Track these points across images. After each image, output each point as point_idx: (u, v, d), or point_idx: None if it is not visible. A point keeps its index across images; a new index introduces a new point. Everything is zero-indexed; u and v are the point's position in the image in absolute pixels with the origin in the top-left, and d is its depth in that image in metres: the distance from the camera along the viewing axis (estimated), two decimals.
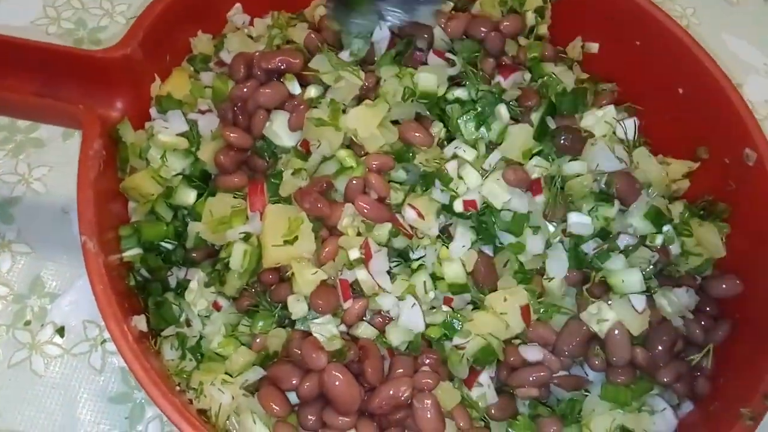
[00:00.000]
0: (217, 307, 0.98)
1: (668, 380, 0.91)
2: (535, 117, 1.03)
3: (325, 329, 0.90)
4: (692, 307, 0.99)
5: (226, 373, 0.91)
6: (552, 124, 1.04)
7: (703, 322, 0.99)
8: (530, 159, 1.00)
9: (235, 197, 1.00)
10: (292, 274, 0.93)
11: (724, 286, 1.04)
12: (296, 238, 0.93)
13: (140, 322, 0.91)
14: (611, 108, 1.06)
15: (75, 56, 0.99)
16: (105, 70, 1.00)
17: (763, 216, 1.03)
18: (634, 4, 1.21)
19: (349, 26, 1.08)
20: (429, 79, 1.04)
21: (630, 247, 0.96)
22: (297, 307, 0.92)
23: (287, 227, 0.93)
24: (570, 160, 1.00)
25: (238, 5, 1.20)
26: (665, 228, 0.99)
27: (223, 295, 0.98)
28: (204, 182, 1.01)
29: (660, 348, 0.91)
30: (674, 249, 1.01)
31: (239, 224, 0.96)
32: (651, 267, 0.97)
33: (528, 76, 1.12)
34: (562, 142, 1.00)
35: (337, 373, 0.85)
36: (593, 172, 0.98)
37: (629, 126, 1.04)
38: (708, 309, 1.03)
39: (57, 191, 1.29)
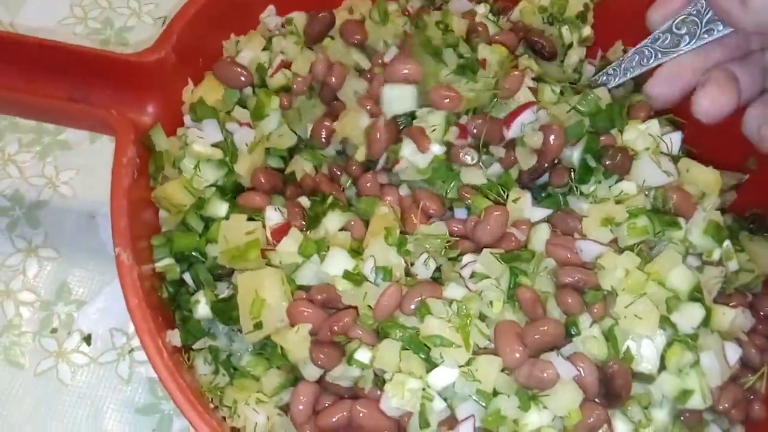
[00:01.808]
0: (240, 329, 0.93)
1: (725, 407, 0.87)
2: (574, 156, 0.96)
3: (346, 376, 0.85)
4: (748, 329, 0.94)
5: (260, 392, 0.88)
6: (592, 162, 0.96)
7: (757, 341, 0.95)
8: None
9: (249, 219, 0.93)
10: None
11: None
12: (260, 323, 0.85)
13: (174, 337, 0.88)
14: (655, 122, 1.02)
15: (108, 60, 0.96)
16: (138, 74, 0.97)
17: None
18: None
19: None
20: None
21: (696, 268, 0.92)
22: (309, 371, 0.86)
23: (251, 304, 0.85)
24: (617, 181, 0.95)
25: (271, 7, 1.17)
26: (725, 243, 0.94)
27: None
28: (237, 195, 0.98)
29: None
30: (732, 265, 0.96)
31: (255, 256, 0.90)
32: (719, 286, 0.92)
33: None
34: (609, 162, 0.94)
35: (363, 408, 0.82)
36: (641, 188, 0.94)
37: (675, 140, 1.00)
38: (760, 327, 0.99)
39: (84, 195, 1.27)
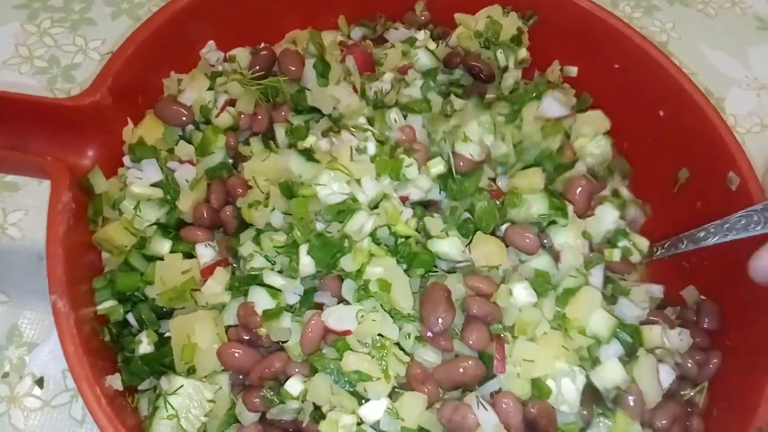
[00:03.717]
0: None
1: (664, 424, 0.88)
2: None
3: (285, 411, 0.86)
4: (685, 350, 0.96)
5: None
6: None
7: (697, 357, 0.97)
8: None
9: (188, 256, 0.95)
10: None
11: (707, 319, 1.03)
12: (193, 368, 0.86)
13: (115, 381, 0.88)
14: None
15: (43, 105, 0.97)
16: (74, 118, 0.97)
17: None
18: (611, 27, 1.20)
19: None
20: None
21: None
22: (246, 417, 0.87)
23: (182, 350, 0.87)
24: None
25: (211, 42, 1.18)
26: (621, 243, 1.00)
27: None
28: (180, 231, 0.99)
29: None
30: (636, 258, 1.02)
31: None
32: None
33: None
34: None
35: None
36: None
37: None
38: (698, 340, 1.01)
39: (33, 236, 1.26)
